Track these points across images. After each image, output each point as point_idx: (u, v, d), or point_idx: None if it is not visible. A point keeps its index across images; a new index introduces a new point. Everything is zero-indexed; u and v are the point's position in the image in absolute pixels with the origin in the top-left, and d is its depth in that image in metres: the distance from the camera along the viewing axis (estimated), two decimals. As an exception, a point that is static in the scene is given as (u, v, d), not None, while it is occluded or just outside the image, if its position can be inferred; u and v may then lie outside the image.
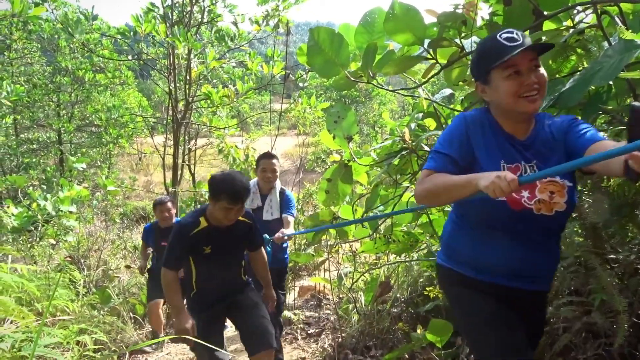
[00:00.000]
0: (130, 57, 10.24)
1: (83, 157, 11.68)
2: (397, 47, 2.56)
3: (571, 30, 2.00)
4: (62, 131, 14.12)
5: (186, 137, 8.63)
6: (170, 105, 8.01)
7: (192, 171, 9.65)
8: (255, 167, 3.85)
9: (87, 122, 14.32)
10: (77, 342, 3.14)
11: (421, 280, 3.79)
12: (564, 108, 1.83)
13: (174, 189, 7.52)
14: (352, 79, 2.47)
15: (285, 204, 3.68)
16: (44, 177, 11.24)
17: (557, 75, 2.02)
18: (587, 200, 2.24)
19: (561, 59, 2.01)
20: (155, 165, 19.28)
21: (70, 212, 6.15)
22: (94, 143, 14.51)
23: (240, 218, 2.71)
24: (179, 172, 8.11)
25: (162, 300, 4.63)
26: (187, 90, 7.77)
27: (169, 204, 4.59)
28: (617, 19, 1.85)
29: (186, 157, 8.60)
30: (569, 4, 1.98)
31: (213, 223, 2.64)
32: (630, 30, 1.65)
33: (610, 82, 1.76)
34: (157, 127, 14.37)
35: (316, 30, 2.34)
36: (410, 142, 2.51)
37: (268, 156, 3.68)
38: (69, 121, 14.05)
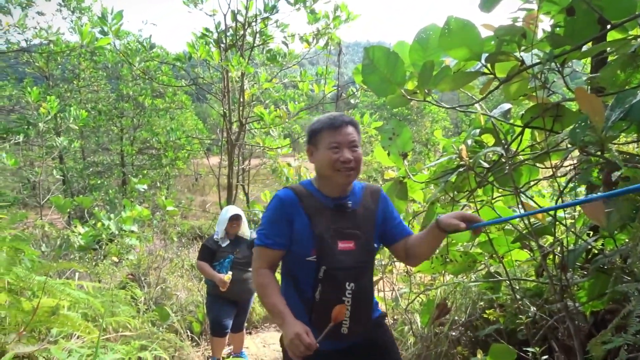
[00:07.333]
0: (186, 82, 10.70)
1: (144, 178, 12.19)
2: (452, 63, 2.51)
3: (639, 40, 1.90)
4: (124, 154, 14.83)
5: (240, 158, 8.83)
6: (225, 127, 8.24)
7: (246, 191, 9.85)
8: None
9: (148, 145, 14.98)
10: (139, 358, 3.22)
11: (480, 303, 3.64)
12: (635, 121, 1.73)
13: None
14: (408, 96, 2.44)
15: None
16: (107, 198, 11.79)
17: (627, 87, 1.92)
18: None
19: (630, 69, 1.90)
20: (210, 186, 19.82)
21: (132, 232, 6.40)
22: (153, 165, 15.12)
23: None
24: (234, 192, 8.29)
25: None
26: (241, 112, 7.98)
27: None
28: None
29: (240, 177, 8.78)
30: (637, 12, 1.88)
31: None
32: None
33: (687, 92, 1.65)
34: (213, 149, 14.78)
35: (371, 49, 2.33)
36: (467, 159, 2.44)
37: None
38: (131, 144, 14.74)
